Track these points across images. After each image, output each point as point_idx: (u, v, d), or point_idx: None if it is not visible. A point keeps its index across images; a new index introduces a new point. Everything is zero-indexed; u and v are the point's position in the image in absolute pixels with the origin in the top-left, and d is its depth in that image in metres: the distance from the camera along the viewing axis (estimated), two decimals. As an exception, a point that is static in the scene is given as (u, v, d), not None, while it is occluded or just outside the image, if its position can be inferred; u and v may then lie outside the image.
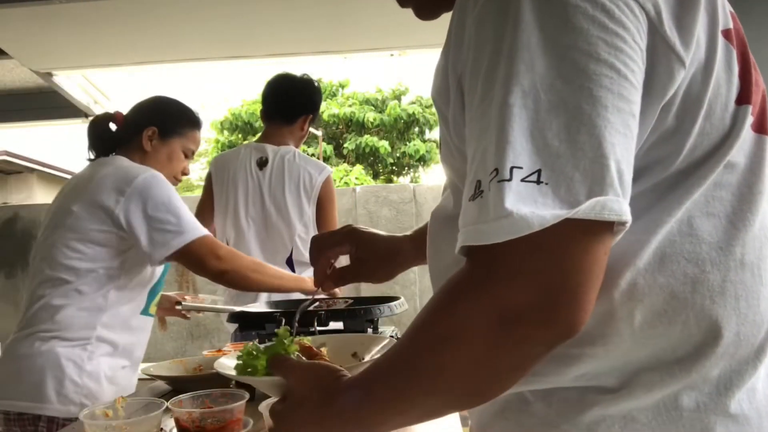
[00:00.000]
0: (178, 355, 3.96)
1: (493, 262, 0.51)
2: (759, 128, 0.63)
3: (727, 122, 0.60)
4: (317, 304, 1.63)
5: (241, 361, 0.82)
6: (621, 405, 0.60)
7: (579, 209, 0.48)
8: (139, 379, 1.87)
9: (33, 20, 2.70)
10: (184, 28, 3.03)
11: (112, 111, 1.82)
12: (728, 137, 0.60)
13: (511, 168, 0.49)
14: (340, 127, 15.59)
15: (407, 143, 15.66)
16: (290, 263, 2.28)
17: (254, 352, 0.80)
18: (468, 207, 0.53)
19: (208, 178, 2.40)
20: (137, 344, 1.70)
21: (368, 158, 15.18)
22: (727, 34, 0.62)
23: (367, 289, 3.58)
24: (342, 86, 16.53)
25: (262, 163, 2.28)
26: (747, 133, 0.61)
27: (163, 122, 1.76)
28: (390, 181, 15.20)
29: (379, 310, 1.34)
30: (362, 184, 12.51)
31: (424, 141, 16.09)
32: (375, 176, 15.26)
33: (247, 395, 1.06)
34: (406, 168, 16.38)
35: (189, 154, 1.83)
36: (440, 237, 0.74)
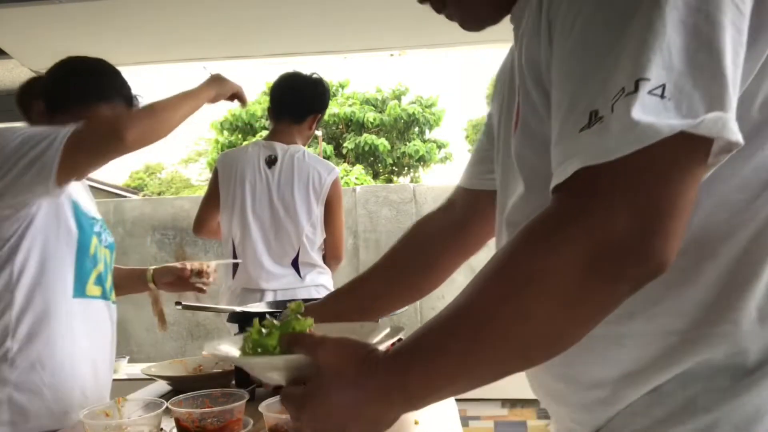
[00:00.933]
0: (178, 355, 3.96)
1: (605, 183, 0.49)
2: None
3: None
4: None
5: (249, 343, 0.71)
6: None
7: (704, 119, 0.47)
8: (139, 379, 1.87)
9: (33, 20, 2.70)
10: (184, 28, 3.02)
11: None
12: None
13: (638, 80, 0.49)
14: (340, 126, 15.58)
15: (407, 143, 15.65)
16: (296, 265, 2.27)
17: (264, 330, 0.70)
18: (581, 137, 0.50)
19: (215, 176, 2.38)
20: (80, 336, 1.37)
21: (368, 158, 15.18)
22: None
23: (367, 289, 3.59)
24: (342, 86, 16.52)
25: (271, 161, 2.28)
26: None
27: (50, 95, 1.42)
28: (390, 181, 15.19)
29: (379, 310, 1.33)
30: (362, 184, 12.51)
31: (424, 141, 16.08)
32: (375, 176, 15.25)
33: (247, 395, 1.06)
34: (406, 168, 16.38)
35: None
36: None
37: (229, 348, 0.77)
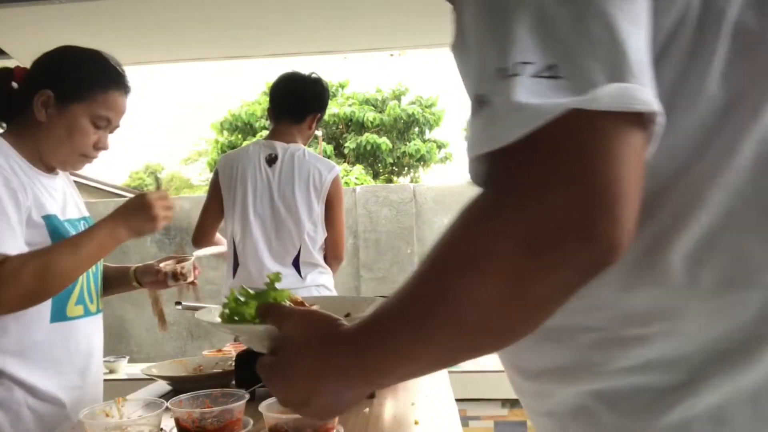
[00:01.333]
0: (178, 355, 3.96)
1: (512, 176, 0.45)
2: None
3: None
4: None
5: (226, 309, 0.72)
6: (705, 400, 0.51)
7: (598, 93, 0.43)
8: (139, 379, 1.87)
9: (33, 20, 2.70)
10: (184, 28, 3.02)
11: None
12: None
13: (518, 63, 0.45)
14: (340, 126, 15.58)
15: (407, 143, 15.65)
16: (297, 265, 2.27)
17: (242, 298, 0.71)
18: (471, 125, 0.48)
19: (215, 178, 2.38)
20: (62, 360, 1.35)
21: (368, 158, 15.17)
22: None
23: (367, 290, 3.58)
24: (342, 86, 16.52)
25: (271, 160, 2.28)
26: None
27: (59, 84, 1.35)
28: (390, 181, 15.20)
29: (379, 310, 1.33)
30: (362, 184, 12.50)
31: (424, 141, 16.08)
32: (375, 176, 15.25)
33: (247, 395, 1.06)
34: (406, 168, 16.37)
35: (102, 124, 1.39)
36: None
37: (212, 315, 0.78)
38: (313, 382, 0.57)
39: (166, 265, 1.60)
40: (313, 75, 2.38)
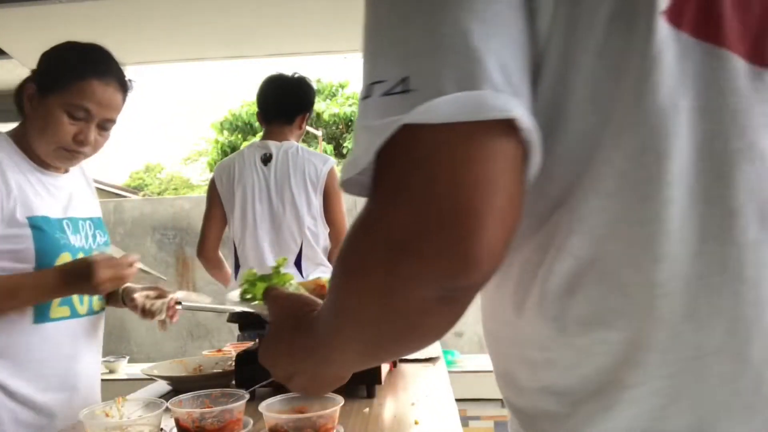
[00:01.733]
0: (178, 355, 3.96)
1: (376, 191, 0.45)
2: None
3: None
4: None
5: (242, 291, 0.84)
6: None
7: (434, 104, 0.40)
8: (139, 379, 1.87)
9: (33, 20, 2.70)
10: (184, 28, 3.02)
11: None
12: None
13: (371, 84, 0.44)
14: (340, 126, 15.57)
15: (407, 143, 15.65)
16: (298, 264, 2.27)
17: (253, 280, 0.81)
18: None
19: (212, 186, 2.38)
20: (48, 363, 1.34)
21: (368, 158, 15.17)
22: None
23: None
24: (342, 86, 16.52)
25: (266, 159, 2.29)
26: None
27: (41, 76, 1.36)
28: (390, 181, 15.18)
29: (379, 310, 1.34)
30: (362, 184, 12.47)
31: (424, 141, 16.08)
32: (375, 176, 15.25)
33: (247, 395, 1.06)
34: (406, 168, 16.36)
35: (79, 115, 1.32)
36: None
37: (235, 294, 0.89)
38: (289, 360, 0.61)
39: (140, 296, 1.52)
40: (297, 75, 2.41)
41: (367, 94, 0.45)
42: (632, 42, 0.45)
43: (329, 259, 2.35)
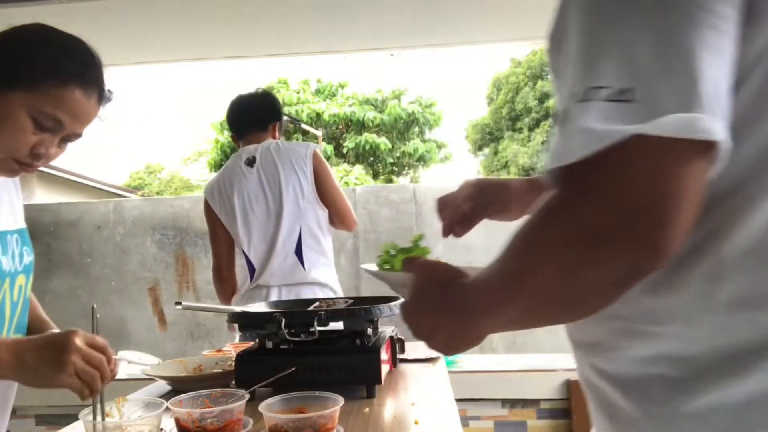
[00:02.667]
0: (178, 355, 3.95)
1: (575, 183, 0.52)
2: None
3: None
4: (317, 304, 1.63)
5: (381, 262, 0.93)
6: (695, 402, 0.57)
7: (662, 121, 0.47)
8: (139, 379, 1.86)
9: (33, 20, 2.71)
10: (184, 29, 3.03)
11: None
12: None
13: (592, 88, 0.51)
14: (340, 126, 15.58)
15: (407, 143, 15.66)
16: (299, 253, 2.27)
17: (392, 251, 0.91)
18: (554, 136, 0.55)
19: (207, 208, 2.39)
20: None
21: (368, 158, 15.18)
22: None
23: (367, 290, 3.58)
24: (342, 86, 16.52)
25: (251, 162, 2.33)
26: None
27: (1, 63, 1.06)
28: (390, 181, 15.20)
29: (379, 310, 1.34)
30: (362, 184, 12.51)
31: (424, 141, 16.08)
32: (375, 176, 15.26)
33: (247, 395, 1.06)
34: (406, 168, 16.37)
35: (48, 125, 1.07)
36: None
37: (372, 265, 0.98)
38: (434, 319, 0.70)
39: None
40: (259, 89, 2.55)
41: (587, 97, 0.51)
42: None
43: (337, 226, 2.37)
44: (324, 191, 2.29)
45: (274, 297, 2.25)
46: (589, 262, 0.52)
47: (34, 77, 1.06)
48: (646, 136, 0.48)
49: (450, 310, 0.68)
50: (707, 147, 0.49)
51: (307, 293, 2.24)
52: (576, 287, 0.54)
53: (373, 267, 0.98)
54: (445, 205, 1.14)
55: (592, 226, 0.50)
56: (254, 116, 2.43)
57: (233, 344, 2.06)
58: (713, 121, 0.48)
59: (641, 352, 0.61)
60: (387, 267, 0.92)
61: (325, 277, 2.31)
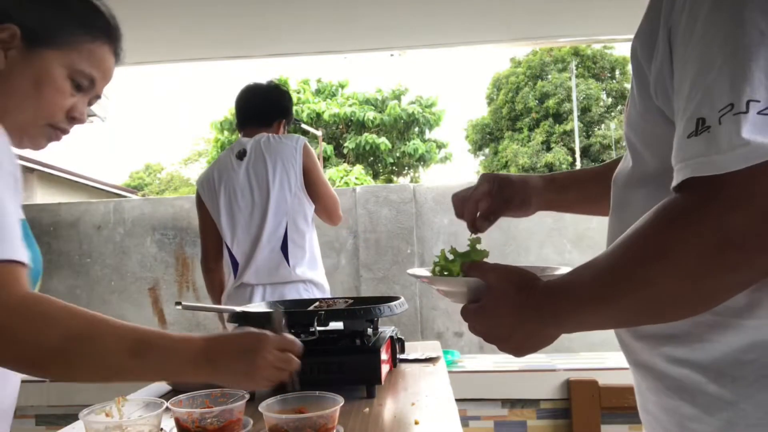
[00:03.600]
0: (178, 355, 3.95)
1: (719, 190, 0.54)
2: None
3: None
4: (317, 304, 1.63)
5: (437, 267, 0.90)
6: None
7: None
8: (139, 379, 1.86)
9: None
10: (184, 28, 3.03)
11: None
12: None
13: (748, 101, 0.53)
14: (340, 126, 15.58)
15: (407, 143, 15.66)
16: (284, 249, 2.25)
17: (450, 256, 0.89)
18: (689, 143, 0.57)
19: (198, 199, 2.39)
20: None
21: (368, 158, 15.18)
22: None
23: (367, 290, 3.58)
24: (342, 86, 16.52)
25: (241, 155, 2.32)
26: None
27: (30, 18, 0.96)
28: (390, 181, 15.21)
29: (379, 310, 1.34)
30: (362, 184, 12.51)
31: (424, 141, 16.08)
32: (375, 176, 15.26)
33: (247, 395, 1.06)
34: (406, 168, 16.38)
35: (84, 84, 1.01)
36: (625, 201, 0.79)
37: (424, 271, 0.95)
38: (513, 320, 0.72)
39: None
40: (271, 82, 2.49)
41: (742, 110, 0.53)
42: None
43: (325, 220, 2.34)
44: (312, 185, 2.28)
45: (258, 296, 2.23)
46: (726, 267, 0.54)
47: (67, 34, 0.99)
48: None
49: (532, 310, 0.70)
50: None
51: (291, 293, 2.22)
52: (704, 290, 0.57)
53: (422, 272, 0.95)
54: (462, 201, 1.12)
55: (743, 232, 0.53)
56: (257, 111, 2.40)
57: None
58: None
59: (735, 342, 0.63)
60: (446, 273, 0.89)
61: (311, 273, 2.29)
